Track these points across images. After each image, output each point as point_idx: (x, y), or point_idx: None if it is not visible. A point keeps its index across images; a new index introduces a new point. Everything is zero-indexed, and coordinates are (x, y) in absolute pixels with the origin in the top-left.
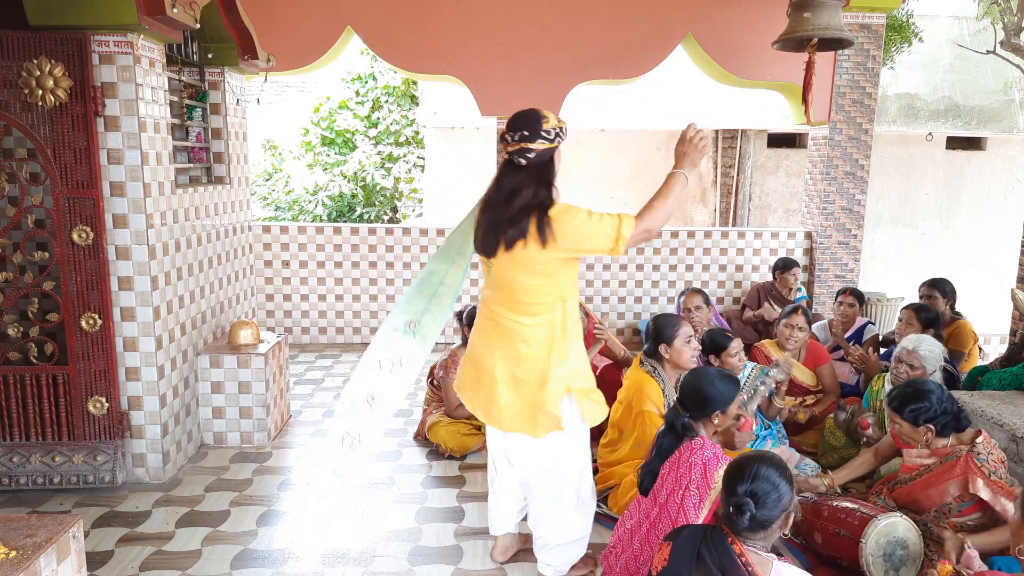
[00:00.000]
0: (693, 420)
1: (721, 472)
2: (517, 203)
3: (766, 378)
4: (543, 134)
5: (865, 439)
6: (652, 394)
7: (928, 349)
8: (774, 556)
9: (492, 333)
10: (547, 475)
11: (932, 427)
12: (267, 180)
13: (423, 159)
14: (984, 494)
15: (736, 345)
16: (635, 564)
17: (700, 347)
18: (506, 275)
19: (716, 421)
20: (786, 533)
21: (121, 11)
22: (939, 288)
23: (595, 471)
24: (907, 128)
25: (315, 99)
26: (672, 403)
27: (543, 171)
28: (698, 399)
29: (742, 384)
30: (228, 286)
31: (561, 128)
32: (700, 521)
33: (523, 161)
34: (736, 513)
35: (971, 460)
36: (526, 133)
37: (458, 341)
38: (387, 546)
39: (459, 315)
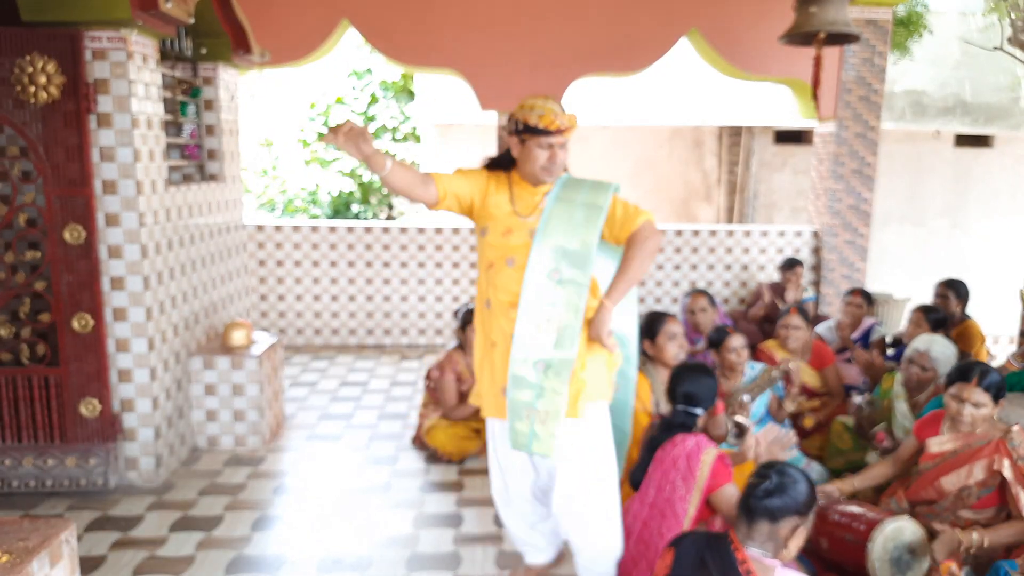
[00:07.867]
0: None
1: (705, 458)
2: None
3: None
4: (508, 124)
5: (882, 451)
6: (640, 391)
7: (940, 351)
8: (778, 563)
9: None
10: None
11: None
12: (262, 177)
13: (421, 156)
14: (1007, 473)
15: (735, 341)
16: (631, 565)
17: (686, 345)
18: None
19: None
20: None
21: (114, 6)
22: (955, 289)
23: None
24: (915, 125)
25: (311, 95)
26: (658, 400)
27: (500, 154)
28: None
29: (745, 383)
30: (221, 286)
31: (518, 120)
32: (690, 514)
33: None
34: (759, 479)
35: (1003, 443)
36: None
37: (454, 343)
38: (384, 552)
39: (455, 315)
